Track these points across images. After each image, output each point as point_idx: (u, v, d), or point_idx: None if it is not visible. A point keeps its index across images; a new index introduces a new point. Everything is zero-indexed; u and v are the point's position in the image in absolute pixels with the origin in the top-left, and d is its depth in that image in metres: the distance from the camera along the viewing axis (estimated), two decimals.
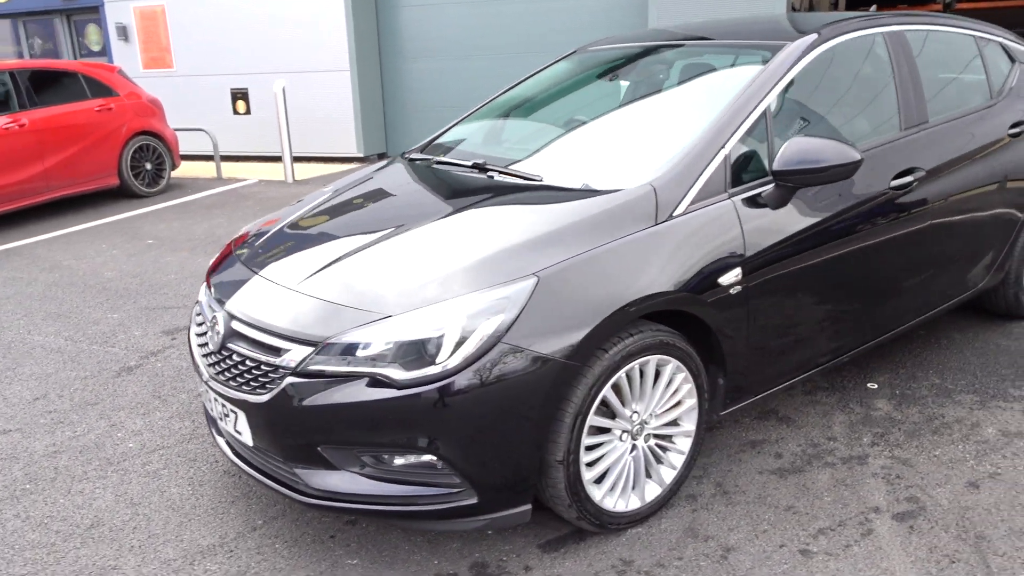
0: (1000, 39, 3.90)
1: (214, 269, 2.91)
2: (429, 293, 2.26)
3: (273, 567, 2.48)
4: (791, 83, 2.90)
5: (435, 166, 3.24)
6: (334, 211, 3.00)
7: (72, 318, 4.83)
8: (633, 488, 2.56)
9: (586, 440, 2.36)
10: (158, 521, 2.75)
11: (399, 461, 2.27)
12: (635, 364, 2.40)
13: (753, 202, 2.67)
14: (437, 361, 2.15)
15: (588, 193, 2.59)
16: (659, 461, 2.63)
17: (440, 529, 2.43)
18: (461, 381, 2.14)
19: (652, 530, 2.58)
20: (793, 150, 2.61)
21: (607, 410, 2.43)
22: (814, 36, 3.01)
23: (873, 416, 3.22)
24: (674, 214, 2.52)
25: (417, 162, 3.36)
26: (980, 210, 3.50)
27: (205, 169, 10.06)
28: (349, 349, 2.21)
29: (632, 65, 3.51)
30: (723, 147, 2.65)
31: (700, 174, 2.60)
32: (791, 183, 2.65)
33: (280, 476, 2.42)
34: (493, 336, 2.17)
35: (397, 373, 2.16)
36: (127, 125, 8.39)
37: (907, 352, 3.79)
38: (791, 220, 2.73)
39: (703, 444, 3.05)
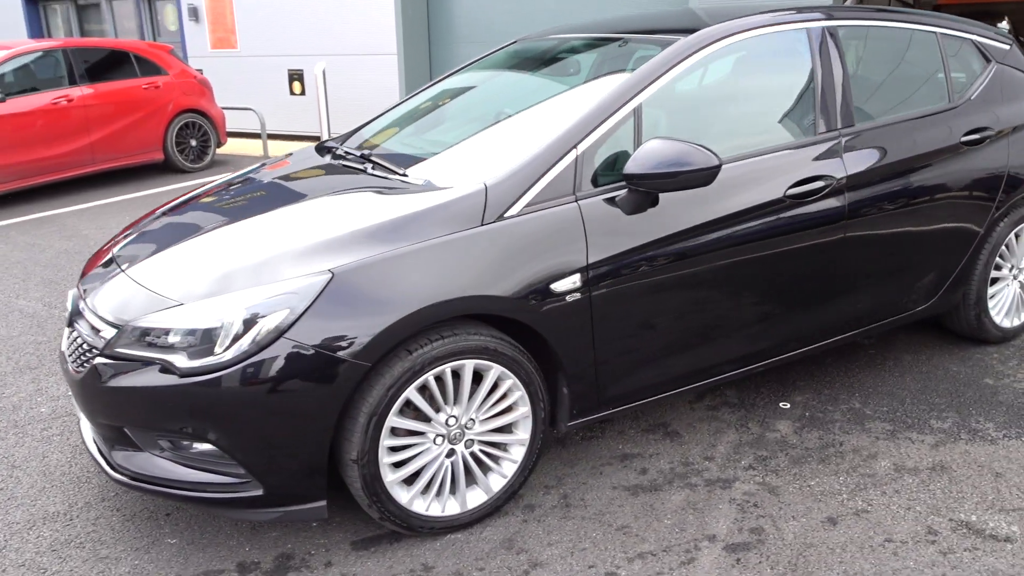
0: (975, 37, 3.55)
1: (104, 248, 3.02)
2: (222, 284, 2.27)
3: (99, 539, 2.57)
4: (675, 81, 2.73)
5: (334, 157, 3.23)
6: (208, 195, 3.05)
7: (60, 285, 5.12)
8: (452, 493, 2.51)
9: (389, 441, 2.33)
10: (26, 484, 2.89)
11: (193, 448, 2.30)
12: (446, 367, 2.34)
13: (606, 206, 2.54)
14: (215, 352, 2.16)
15: (422, 189, 2.53)
16: (488, 469, 2.56)
17: (235, 517, 2.46)
18: (237, 374, 2.15)
19: (471, 538, 2.51)
20: (645, 153, 2.47)
21: (421, 412, 2.39)
22: (706, 32, 2.83)
23: (766, 438, 3.03)
24: (505, 215, 2.43)
25: (323, 152, 3.37)
26: (921, 224, 3.22)
27: (254, 147, 10.41)
28: (144, 334, 2.25)
29: (552, 59, 3.40)
30: (575, 147, 2.54)
31: (543, 174, 2.49)
32: (643, 188, 2.50)
33: (103, 451, 2.50)
34: (274, 331, 2.16)
35: (181, 361, 2.19)
36: (174, 103, 8.78)
37: (841, 371, 3.54)
38: (649, 226, 2.58)
39: (573, 453, 2.95)
